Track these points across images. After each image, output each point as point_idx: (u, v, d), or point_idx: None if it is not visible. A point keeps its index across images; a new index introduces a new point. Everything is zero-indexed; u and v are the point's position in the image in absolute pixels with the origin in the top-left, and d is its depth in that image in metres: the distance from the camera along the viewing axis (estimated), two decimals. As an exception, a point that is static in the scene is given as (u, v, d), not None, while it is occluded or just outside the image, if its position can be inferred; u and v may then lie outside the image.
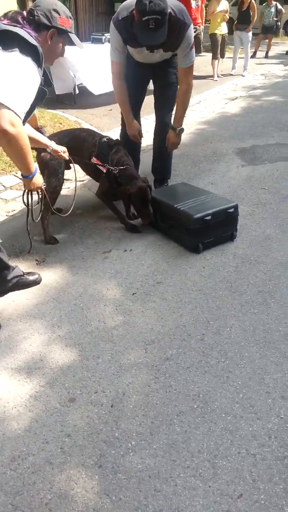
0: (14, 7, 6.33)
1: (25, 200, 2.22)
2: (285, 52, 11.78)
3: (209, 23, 8.28)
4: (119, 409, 1.71)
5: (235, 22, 8.50)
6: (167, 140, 3.19)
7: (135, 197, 2.81)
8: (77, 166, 3.04)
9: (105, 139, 2.96)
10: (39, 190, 2.12)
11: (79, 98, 6.05)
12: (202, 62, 8.54)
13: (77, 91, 5.97)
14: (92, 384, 1.82)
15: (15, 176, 3.78)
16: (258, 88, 7.58)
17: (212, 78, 8.10)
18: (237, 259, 2.67)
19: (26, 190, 2.14)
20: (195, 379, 1.84)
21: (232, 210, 2.77)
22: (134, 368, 1.90)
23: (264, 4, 10.85)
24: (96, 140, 2.95)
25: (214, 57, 8.06)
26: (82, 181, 3.72)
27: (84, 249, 2.79)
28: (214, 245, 2.78)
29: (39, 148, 2.53)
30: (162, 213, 2.88)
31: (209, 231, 2.70)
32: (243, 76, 8.52)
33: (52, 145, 2.39)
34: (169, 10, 2.44)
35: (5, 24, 1.74)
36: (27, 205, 2.23)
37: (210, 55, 8.32)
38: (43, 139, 2.34)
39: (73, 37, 1.96)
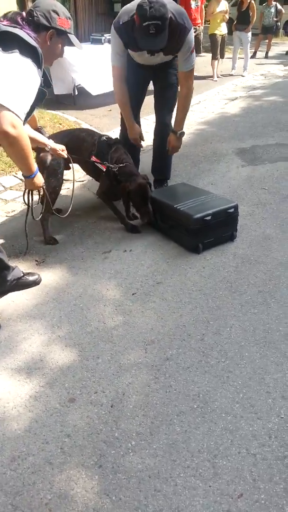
0: (14, 7, 6.34)
1: (26, 200, 2.23)
2: (285, 52, 11.79)
3: (209, 24, 8.30)
4: (119, 409, 1.71)
5: (235, 23, 8.51)
6: (168, 144, 3.19)
7: (135, 194, 2.80)
8: (77, 166, 3.05)
9: (104, 138, 2.96)
10: (40, 190, 2.13)
11: (79, 99, 6.06)
12: (202, 63, 8.53)
13: (76, 92, 5.98)
14: (92, 384, 1.82)
15: (15, 176, 3.78)
16: (258, 88, 7.59)
17: (212, 78, 8.11)
18: (237, 259, 2.67)
19: (27, 190, 2.14)
20: (195, 379, 1.84)
21: (232, 210, 2.77)
22: (134, 368, 1.90)
23: (264, 4, 10.86)
24: (95, 139, 2.95)
25: (214, 58, 8.07)
26: (82, 181, 3.72)
27: (84, 249, 2.79)
28: (214, 245, 2.78)
29: (38, 148, 2.53)
30: (162, 213, 2.88)
31: (209, 231, 2.70)
32: (243, 76, 8.52)
33: (51, 143, 2.40)
34: (169, 15, 2.44)
35: (5, 25, 1.74)
36: (28, 204, 2.24)
37: (210, 55, 8.33)
38: (42, 138, 2.35)
39: (72, 37, 1.97)
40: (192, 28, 2.73)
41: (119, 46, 2.74)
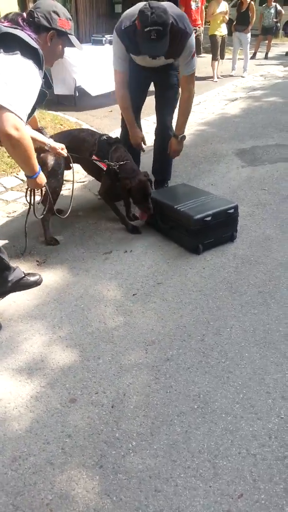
0: (15, 8, 6.35)
1: (28, 198, 2.25)
2: (284, 53, 11.79)
3: (209, 25, 8.30)
4: (120, 409, 1.71)
5: (234, 23, 8.52)
6: (169, 147, 3.21)
7: (135, 191, 2.79)
8: (78, 167, 3.05)
9: (104, 137, 2.97)
10: (43, 188, 2.15)
11: (80, 100, 6.06)
12: (202, 63, 8.51)
13: (77, 94, 5.98)
14: (93, 384, 1.82)
15: (16, 177, 3.78)
16: (258, 89, 7.59)
17: (212, 79, 8.12)
18: (237, 260, 2.67)
19: (29, 189, 2.16)
20: (195, 379, 1.84)
21: (232, 211, 2.78)
22: (135, 368, 1.90)
23: (264, 5, 10.88)
24: (95, 139, 2.96)
25: (214, 58, 8.08)
26: (83, 182, 3.73)
27: (85, 250, 2.80)
28: (214, 246, 2.78)
29: (39, 149, 2.54)
30: (162, 214, 2.88)
31: (209, 232, 2.71)
32: (243, 77, 8.53)
33: (50, 142, 2.42)
34: (171, 21, 2.45)
35: (6, 26, 1.75)
36: (29, 203, 2.25)
37: (210, 56, 8.34)
38: (41, 137, 2.37)
39: (73, 38, 1.97)
40: (193, 32, 2.74)
41: (121, 51, 2.75)
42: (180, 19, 2.59)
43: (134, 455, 1.54)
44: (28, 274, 2.41)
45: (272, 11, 10.46)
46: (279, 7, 10.66)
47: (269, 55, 11.14)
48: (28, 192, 2.33)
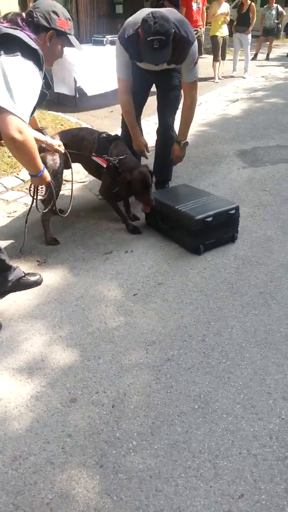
0: (15, 7, 6.36)
1: (31, 193, 2.28)
2: (285, 55, 11.79)
3: (210, 26, 8.31)
4: (120, 409, 1.71)
5: (234, 24, 8.52)
6: (172, 153, 3.21)
7: (136, 182, 2.75)
8: (79, 167, 3.05)
9: (104, 135, 2.97)
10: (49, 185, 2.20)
11: (80, 100, 6.07)
12: (203, 64, 8.49)
13: (77, 94, 5.99)
14: (93, 384, 1.82)
15: (16, 177, 3.79)
16: (259, 90, 7.60)
17: (213, 80, 8.12)
18: (238, 261, 2.67)
19: (33, 186, 2.19)
20: (196, 379, 1.84)
21: (233, 211, 2.78)
22: (135, 368, 1.90)
23: (265, 6, 10.89)
24: (95, 137, 2.96)
25: (215, 59, 8.09)
26: (83, 182, 3.73)
27: (85, 250, 2.80)
28: (215, 246, 2.78)
29: (39, 149, 2.55)
30: (163, 214, 2.88)
31: (210, 232, 2.71)
32: (244, 78, 8.54)
33: (47, 139, 2.42)
34: (173, 30, 2.45)
35: (5, 27, 1.75)
36: (32, 197, 2.28)
37: (211, 57, 8.35)
38: (38, 135, 2.37)
39: (72, 38, 1.97)
40: (196, 40, 2.75)
41: (125, 59, 2.75)
42: (181, 25, 2.60)
43: (134, 454, 1.54)
44: (29, 274, 2.41)
45: (274, 12, 10.46)
46: (280, 9, 10.66)
47: (270, 56, 11.14)
48: (32, 187, 2.35)
